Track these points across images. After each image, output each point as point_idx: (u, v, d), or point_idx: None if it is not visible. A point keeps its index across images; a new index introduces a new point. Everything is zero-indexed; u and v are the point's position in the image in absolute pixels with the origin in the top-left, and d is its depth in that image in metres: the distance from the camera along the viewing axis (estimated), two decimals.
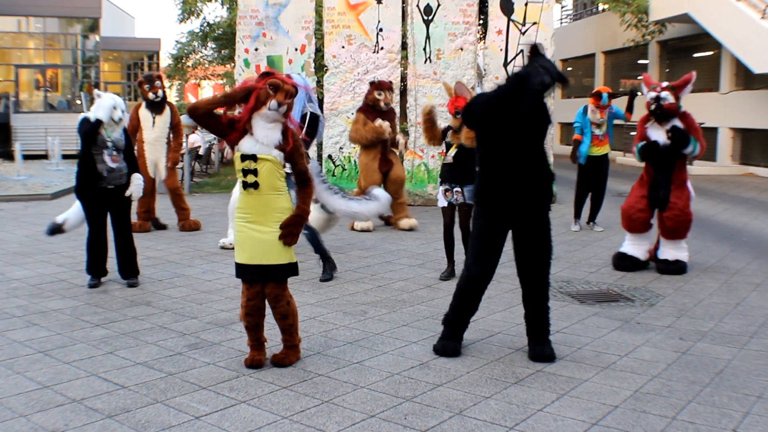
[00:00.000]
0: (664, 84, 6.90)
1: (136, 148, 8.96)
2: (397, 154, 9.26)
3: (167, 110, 9.13)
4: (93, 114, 6.10)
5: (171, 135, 9.19)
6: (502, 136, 4.41)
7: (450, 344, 4.60)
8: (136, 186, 6.27)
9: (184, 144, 14.52)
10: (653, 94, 6.81)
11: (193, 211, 10.46)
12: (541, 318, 4.55)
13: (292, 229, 4.20)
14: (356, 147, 11.59)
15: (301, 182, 4.29)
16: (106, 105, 6.08)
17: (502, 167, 4.42)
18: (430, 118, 6.59)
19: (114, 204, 6.26)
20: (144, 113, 9.03)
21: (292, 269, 4.30)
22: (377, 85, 9.03)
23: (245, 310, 4.30)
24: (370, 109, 8.98)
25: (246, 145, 4.14)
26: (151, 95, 8.94)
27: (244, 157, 4.13)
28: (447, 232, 6.82)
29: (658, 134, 6.86)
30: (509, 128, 4.37)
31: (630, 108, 9.35)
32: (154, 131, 9.03)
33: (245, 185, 4.17)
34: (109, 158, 6.10)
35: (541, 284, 4.53)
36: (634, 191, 7.16)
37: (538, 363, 4.43)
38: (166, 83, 31.85)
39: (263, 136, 4.13)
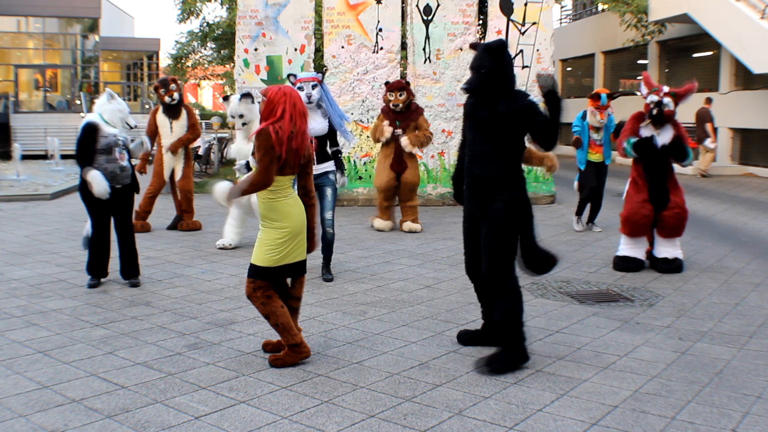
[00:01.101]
0: (666, 89, 6.91)
1: (154, 152, 9.14)
2: (411, 153, 9.12)
3: (183, 114, 9.18)
4: (99, 116, 6.18)
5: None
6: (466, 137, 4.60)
7: (466, 332, 4.79)
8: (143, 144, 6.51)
9: None
10: (655, 98, 6.83)
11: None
12: (497, 322, 4.37)
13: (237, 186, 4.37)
14: (356, 147, 11.65)
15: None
16: (118, 109, 6.23)
17: (466, 162, 4.55)
18: None
19: (118, 204, 6.27)
20: (161, 119, 9.09)
21: (255, 271, 4.34)
22: (389, 86, 9.06)
23: None
24: (388, 109, 9.05)
25: None
26: (167, 99, 9.00)
27: None
28: None
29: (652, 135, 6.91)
30: (468, 130, 4.56)
31: (617, 133, 9.04)
32: (172, 137, 9.10)
33: None
34: (118, 156, 6.13)
35: (492, 284, 4.40)
36: (632, 197, 7.09)
37: (538, 363, 4.43)
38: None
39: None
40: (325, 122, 6.51)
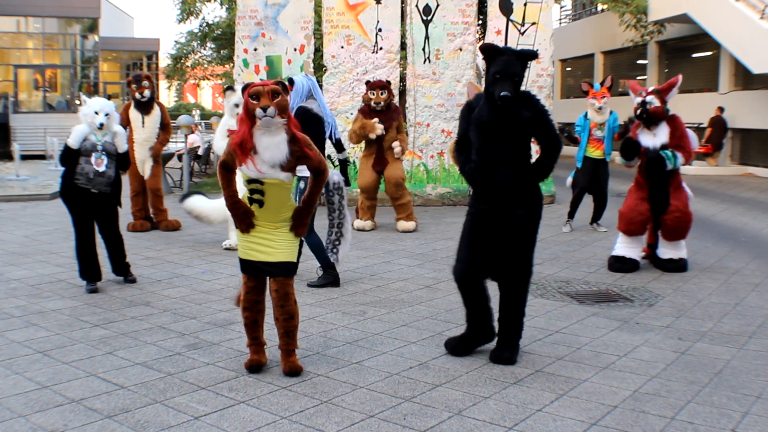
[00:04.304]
0: (650, 88, 6.95)
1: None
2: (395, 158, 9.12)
3: (156, 110, 9.22)
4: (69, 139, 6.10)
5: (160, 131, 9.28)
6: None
7: (452, 341, 4.66)
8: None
9: (183, 144, 14.55)
10: (639, 99, 6.89)
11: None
12: (510, 323, 4.49)
13: (300, 221, 4.20)
14: (355, 147, 11.63)
15: (315, 174, 4.21)
16: (79, 131, 6.02)
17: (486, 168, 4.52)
18: None
19: (100, 210, 6.20)
20: (133, 114, 9.12)
21: (294, 268, 4.28)
22: (370, 85, 9.06)
23: (244, 304, 4.28)
24: (367, 109, 9.02)
25: (251, 167, 4.02)
26: (137, 95, 9.03)
27: (251, 180, 4.09)
28: None
29: (648, 139, 6.89)
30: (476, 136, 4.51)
31: (622, 136, 8.88)
32: (144, 131, 9.12)
33: (251, 199, 4.15)
34: (94, 162, 6.02)
35: (516, 289, 4.46)
36: (631, 194, 7.15)
37: (537, 363, 4.43)
38: (165, 83, 32.02)
39: (269, 156, 4.00)
40: None
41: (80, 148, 6.02)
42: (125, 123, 9.06)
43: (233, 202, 4.16)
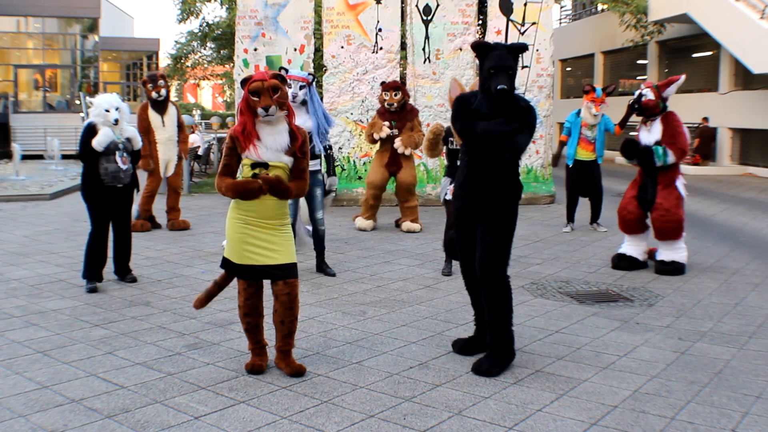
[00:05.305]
0: (651, 83, 7.01)
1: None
2: (405, 154, 9.11)
3: (172, 108, 9.27)
4: (89, 119, 6.26)
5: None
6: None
7: (459, 342, 4.67)
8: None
9: None
10: (637, 91, 6.95)
11: (192, 211, 10.48)
12: (488, 325, 4.36)
13: (272, 184, 4.05)
14: (356, 147, 11.65)
15: (297, 178, 4.22)
16: (105, 135, 6.11)
17: (465, 164, 4.50)
18: (435, 139, 6.43)
19: (118, 203, 6.34)
20: (152, 114, 9.12)
21: (295, 269, 4.27)
22: (384, 86, 9.13)
23: (244, 310, 4.25)
24: (383, 110, 9.09)
25: (255, 152, 4.10)
26: (154, 94, 9.05)
27: (256, 165, 4.10)
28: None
29: (644, 135, 6.90)
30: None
31: (623, 123, 8.31)
32: (166, 131, 9.16)
33: None
34: (120, 160, 6.20)
35: (484, 282, 4.35)
36: (627, 193, 7.22)
37: (537, 363, 4.43)
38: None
39: (271, 142, 4.11)
40: (309, 120, 6.49)
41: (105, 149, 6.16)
42: (146, 124, 9.08)
43: (234, 183, 4.07)
